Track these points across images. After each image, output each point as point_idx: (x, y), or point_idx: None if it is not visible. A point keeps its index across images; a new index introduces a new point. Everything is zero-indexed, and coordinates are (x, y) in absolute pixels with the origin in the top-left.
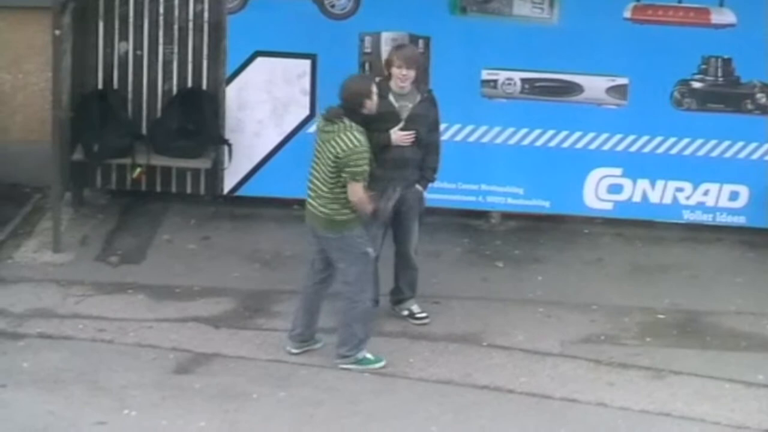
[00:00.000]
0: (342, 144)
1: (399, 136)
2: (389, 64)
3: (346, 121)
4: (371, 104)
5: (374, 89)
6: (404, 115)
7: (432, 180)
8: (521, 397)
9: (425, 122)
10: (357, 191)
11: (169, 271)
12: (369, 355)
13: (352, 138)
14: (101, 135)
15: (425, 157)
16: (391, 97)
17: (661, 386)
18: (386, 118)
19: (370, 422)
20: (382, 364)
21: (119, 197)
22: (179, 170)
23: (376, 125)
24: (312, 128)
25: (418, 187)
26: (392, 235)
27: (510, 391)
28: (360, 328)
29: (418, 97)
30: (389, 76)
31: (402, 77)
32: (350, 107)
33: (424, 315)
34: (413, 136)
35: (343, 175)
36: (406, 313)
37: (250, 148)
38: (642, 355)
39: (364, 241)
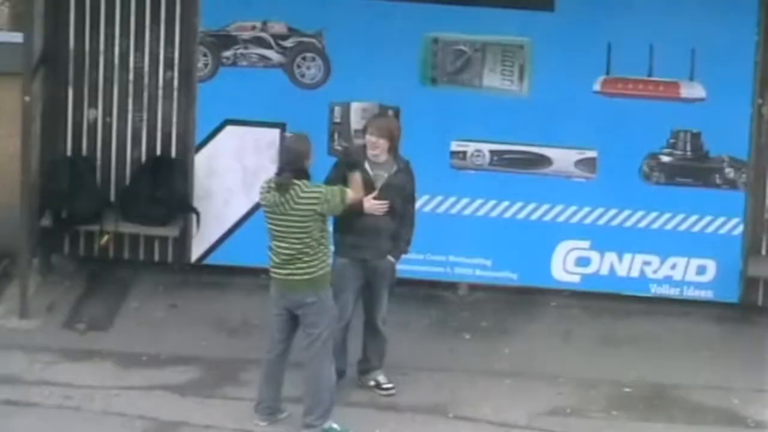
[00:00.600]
0: (311, 199)
1: (372, 204)
2: (364, 131)
3: (297, 183)
4: (310, 162)
5: (311, 147)
6: (378, 184)
7: (405, 252)
8: None
9: (400, 193)
10: (353, 197)
11: (137, 338)
12: (335, 425)
13: (314, 188)
14: (70, 201)
15: (399, 229)
16: (367, 166)
17: None
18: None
19: None
20: None
21: (87, 264)
22: (147, 238)
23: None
24: None
25: (391, 258)
26: (362, 304)
27: None
28: (326, 396)
29: (395, 168)
30: (365, 145)
31: (372, 145)
32: (296, 168)
33: (390, 386)
34: (386, 205)
35: (334, 209)
36: (372, 383)
37: (218, 216)
38: (609, 428)
39: (333, 305)
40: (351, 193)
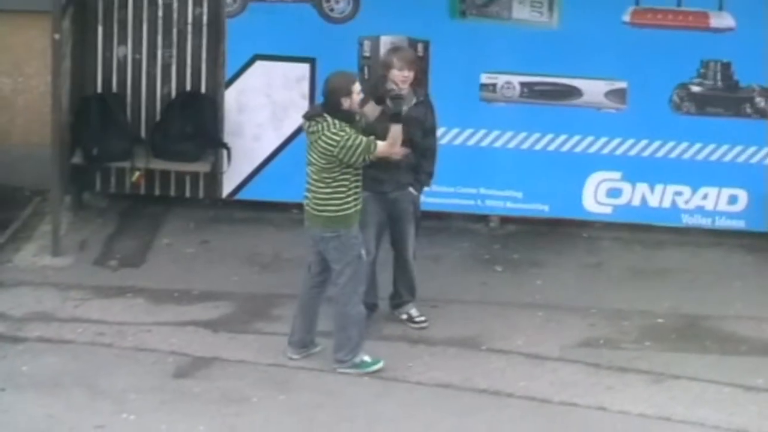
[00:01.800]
0: (331, 141)
1: (393, 148)
2: (387, 66)
3: (328, 118)
4: (350, 102)
5: (355, 87)
6: None
7: (427, 184)
8: (520, 401)
9: (420, 125)
10: (383, 148)
11: (169, 274)
12: (366, 358)
13: (337, 131)
14: (101, 138)
15: (421, 161)
16: (387, 100)
17: (660, 390)
18: (381, 118)
19: (369, 426)
20: (380, 365)
21: (119, 201)
22: (178, 174)
23: (371, 125)
24: None
25: (412, 190)
26: (390, 239)
27: (509, 395)
28: (355, 332)
29: (414, 100)
30: (385, 78)
31: (403, 79)
32: (330, 104)
33: (422, 319)
34: (405, 152)
35: (357, 159)
36: (404, 317)
37: (249, 151)
38: (641, 359)
39: (359, 243)
40: (384, 146)
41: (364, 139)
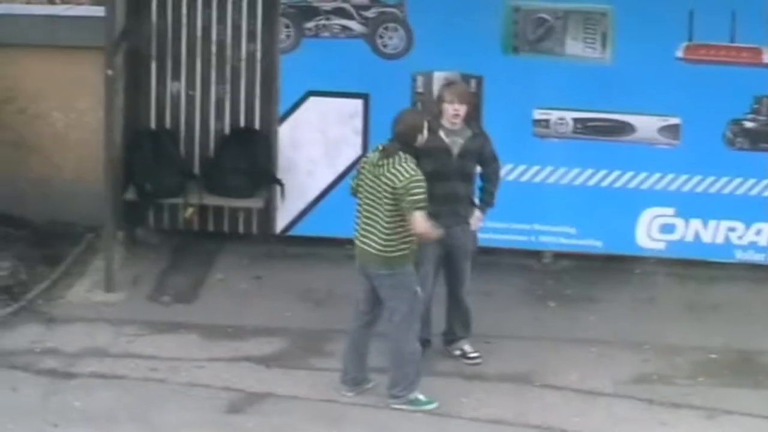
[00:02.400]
0: (399, 175)
1: (426, 229)
2: (440, 100)
3: (401, 153)
4: (423, 138)
5: (426, 124)
6: (455, 150)
7: (490, 204)
8: None
9: (475, 157)
10: (420, 221)
11: (222, 310)
12: (421, 396)
13: (408, 168)
14: (154, 174)
15: (484, 185)
16: (442, 133)
17: (713, 426)
18: (436, 154)
19: None
20: (434, 405)
21: (172, 237)
22: (232, 210)
23: (426, 160)
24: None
25: (473, 222)
26: (444, 275)
27: (563, 431)
28: (411, 368)
29: (469, 133)
30: (440, 113)
31: (454, 112)
32: (405, 140)
33: (476, 355)
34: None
35: (404, 205)
36: (458, 353)
37: (302, 187)
38: (694, 394)
39: (415, 279)
40: (424, 224)
41: (425, 196)
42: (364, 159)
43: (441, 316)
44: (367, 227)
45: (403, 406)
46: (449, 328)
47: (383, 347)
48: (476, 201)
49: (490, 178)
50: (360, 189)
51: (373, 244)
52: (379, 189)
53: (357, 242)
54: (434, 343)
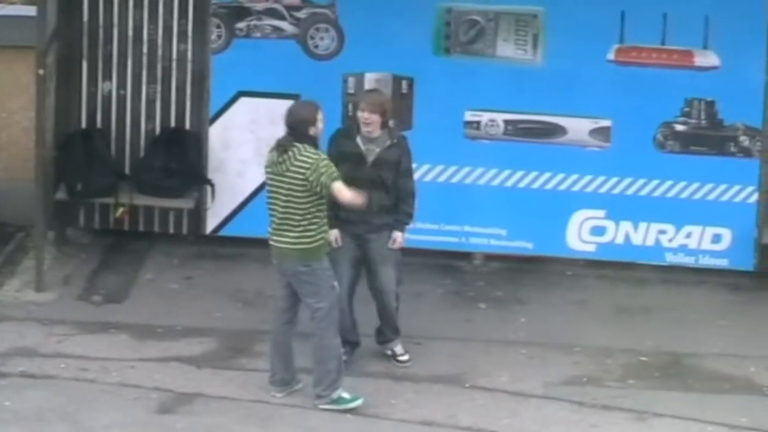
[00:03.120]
0: (304, 164)
1: (351, 197)
2: (355, 107)
3: (298, 144)
4: (316, 129)
5: (319, 115)
6: (370, 158)
7: (407, 223)
8: None
9: (393, 167)
10: (342, 190)
11: (152, 310)
12: (345, 394)
13: (310, 154)
14: (85, 174)
15: (399, 204)
16: (359, 140)
17: (644, 428)
18: (351, 160)
19: None
20: (358, 402)
21: (102, 236)
22: (162, 210)
23: (341, 166)
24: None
25: (395, 234)
26: (366, 279)
27: None
28: (333, 365)
29: (387, 142)
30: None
31: (365, 121)
32: (297, 133)
33: (405, 358)
34: (365, 201)
35: (322, 184)
36: (389, 352)
37: (233, 187)
38: (625, 397)
39: (332, 275)
40: (344, 190)
41: (331, 165)
42: (266, 163)
43: (371, 316)
44: (281, 225)
45: (329, 406)
46: (380, 329)
47: (307, 347)
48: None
49: (401, 195)
50: (269, 191)
51: (289, 240)
52: (288, 184)
53: (272, 242)
54: (364, 344)
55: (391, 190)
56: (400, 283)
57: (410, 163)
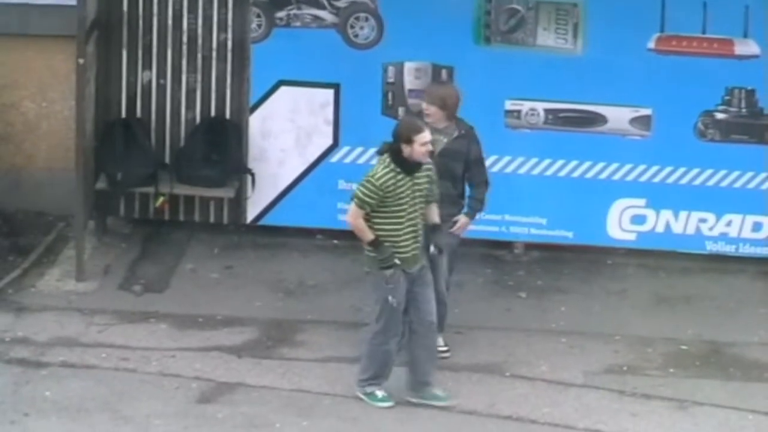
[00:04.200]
0: (365, 179)
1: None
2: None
3: (386, 157)
4: (410, 150)
5: (419, 137)
6: (438, 148)
7: (479, 210)
8: (544, 428)
9: (460, 158)
10: (350, 212)
11: (192, 300)
12: (378, 392)
13: (376, 168)
14: (125, 164)
15: (471, 191)
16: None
17: (684, 417)
18: None
19: None
20: (386, 404)
21: (142, 226)
22: (202, 199)
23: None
24: (335, 158)
25: (457, 227)
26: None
27: (533, 422)
28: (376, 367)
29: (455, 133)
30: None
31: (425, 111)
32: (394, 147)
33: (445, 350)
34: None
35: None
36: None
37: (273, 177)
38: (665, 386)
39: (389, 289)
40: (353, 212)
41: (367, 200)
42: None
43: None
44: None
45: (360, 395)
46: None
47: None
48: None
49: (474, 182)
50: None
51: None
52: None
53: None
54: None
55: (458, 180)
56: (452, 272)
57: (481, 153)
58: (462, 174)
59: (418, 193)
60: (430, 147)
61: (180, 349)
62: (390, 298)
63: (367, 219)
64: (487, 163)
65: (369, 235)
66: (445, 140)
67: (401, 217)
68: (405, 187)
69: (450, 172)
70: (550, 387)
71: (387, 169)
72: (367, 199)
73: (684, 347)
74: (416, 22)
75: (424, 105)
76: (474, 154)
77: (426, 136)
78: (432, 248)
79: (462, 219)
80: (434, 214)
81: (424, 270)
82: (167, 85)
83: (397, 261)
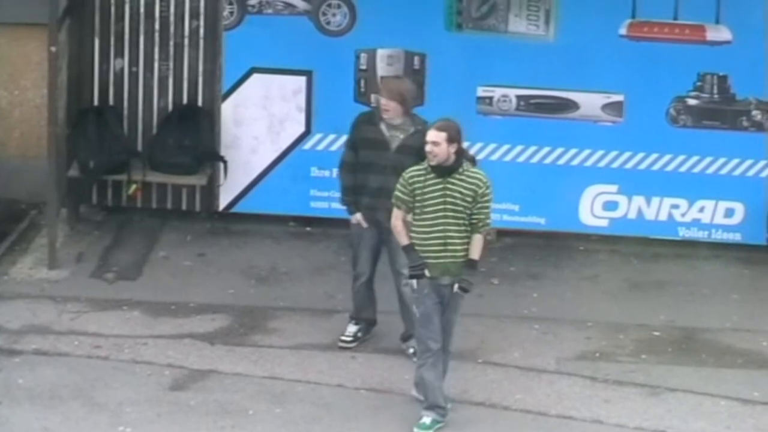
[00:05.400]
0: None
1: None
2: (378, 91)
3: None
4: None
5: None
6: (394, 144)
7: None
8: (517, 414)
9: (415, 154)
10: (393, 214)
11: (165, 287)
12: (427, 420)
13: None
14: (97, 151)
15: None
16: (383, 126)
17: (656, 403)
18: (374, 146)
19: None
20: (435, 426)
21: (115, 214)
22: (175, 187)
23: (364, 152)
24: (307, 145)
25: None
26: (389, 263)
27: (506, 408)
28: (429, 394)
29: (412, 129)
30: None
31: (383, 107)
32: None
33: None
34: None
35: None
36: (411, 351)
37: (246, 164)
38: (638, 372)
39: (414, 298)
40: (394, 214)
41: (398, 194)
42: None
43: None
44: None
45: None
46: (405, 328)
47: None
48: None
49: None
50: None
51: None
52: None
53: None
54: (379, 320)
55: None
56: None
57: None
58: None
59: (450, 200)
60: (428, 146)
61: (153, 336)
62: (414, 308)
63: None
64: None
65: (404, 239)
66: (402, 136)
67: (429, 220)
68: (434, 190)
69: (405, 169)
70: (523, 373)
71: (419, 167)
72: (399, 194)
73: (656, 333)
74: (388, 9)
75: (382, 101)
76: None
77: (428, 134)
78: (456, 286)
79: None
80: (475, 248)
81: (457, 297)
82: (139, 72)
83: (426, 272)
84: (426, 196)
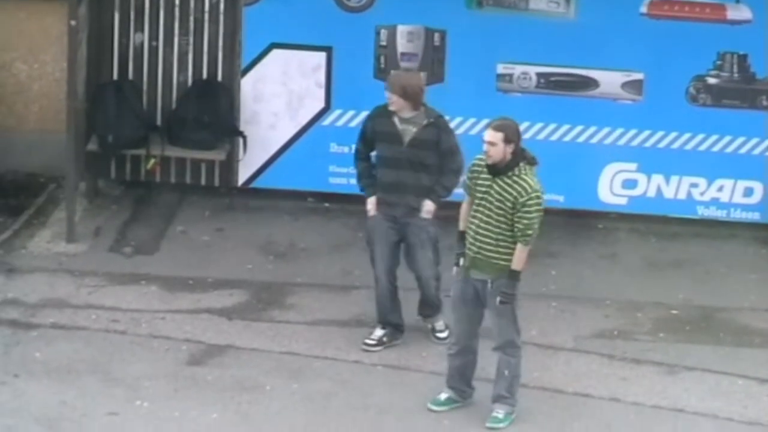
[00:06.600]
0: None
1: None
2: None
3: None
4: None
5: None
6: (407, 138)
7: (441, 196)
8: (534, 392)
9: (429, 147)
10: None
11: (183, 262)
12: (500, 414)
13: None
14: (116, 126)
15: (440, 177)
16: (396, 119)
17: (674, 382)
18: (388, 138)
19: (383, 415)
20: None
21: (133, 188)
22: (194, 162)
23: (380, 146)
24: (326, 121)
25: (423, 213)
26: (405, 262)
27: (523, 386)
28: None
29: (424, 122)
30: None
31: (388, 99)
32: None
33: (444, 335)
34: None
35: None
36: (429, 326)
37: (264, 140)
38: (655, 350)
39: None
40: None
41: (465, 187)
42: None
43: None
44: None
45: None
46: (421, 304)
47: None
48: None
49: (444, 170)
50: None
51: None
52: None
53: None
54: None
55: (430, 170)
56: (439, 263)
57: (452, 142)
58: (434, 164)
59: (490, 199)
60: (485, 146)
61: (170, 311)
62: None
63: None
64: (479, 126)
65: (459, 225)
66: (414, 130)
67: (473, 211)
68: (483, 185)
69: (421, 163)
70: (540, 351)
71: (482, 157)
72: (465, 180)
73: (674, 312)
74: None
75: (386, 93)
76: (445, 145)
77: (485, 133)
78: (498, 300)
79: (427, 204)
80: (516, 258)
81: (494, 301)
82: (159, 47)
83: (460, 261)
84: (477, 188)
